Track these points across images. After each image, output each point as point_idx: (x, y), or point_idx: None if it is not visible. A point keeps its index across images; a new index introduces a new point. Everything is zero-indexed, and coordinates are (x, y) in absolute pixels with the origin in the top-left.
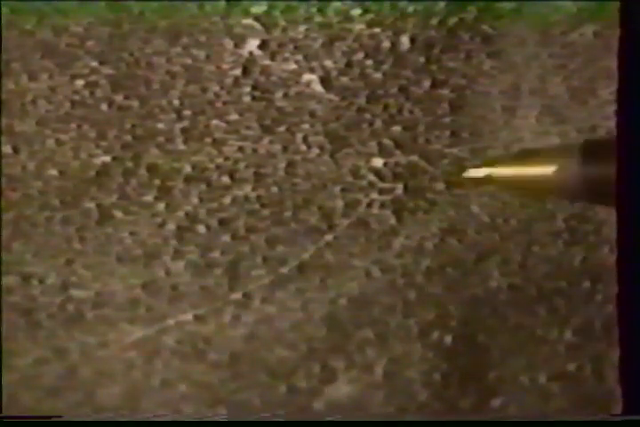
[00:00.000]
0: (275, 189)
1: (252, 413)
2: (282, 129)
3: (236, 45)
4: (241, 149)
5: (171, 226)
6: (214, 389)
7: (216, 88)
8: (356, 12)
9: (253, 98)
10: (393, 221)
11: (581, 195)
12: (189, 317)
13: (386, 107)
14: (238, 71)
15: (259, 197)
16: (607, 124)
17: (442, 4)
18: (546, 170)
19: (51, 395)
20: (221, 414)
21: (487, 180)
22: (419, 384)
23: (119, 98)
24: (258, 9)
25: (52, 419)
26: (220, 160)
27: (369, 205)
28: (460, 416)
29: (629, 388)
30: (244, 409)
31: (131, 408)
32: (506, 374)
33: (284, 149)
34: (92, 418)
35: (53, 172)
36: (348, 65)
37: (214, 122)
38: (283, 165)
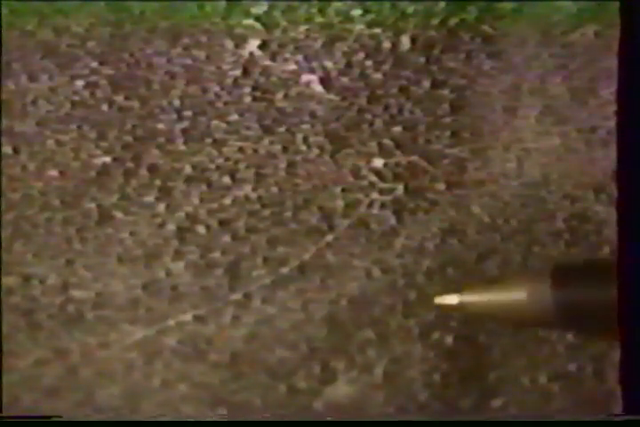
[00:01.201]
0: (275, 190)
1: (253, 413)
2: (282, 129)
3: (237, 46)
4: (241, 149)
5: (171, 226)
6: (215, 389)
7: (216, 88)
8: (357, 12)
9: (254, 98)
10: (393, 221)
11: (554, 321)
12: (190, 317)
13: (386, 107)
14: (239, 72)
15: (259, 198)
16: (607, 125)
17: (442, 5)
18: (517, 296)
19: (51, 395)
20: (222, 415)
21: (459, 307)
22: (419, 385)
23: (119, 98)
24: (258, 9)
25: (52, 419)
26: (220, 160)
27: (369, 205)
28: (461, 416)
29: (630, 388)
30: (245, 409)
31: (131, 409)
32: (506, 374)
33: (285, 149)
34: (92, 418)
35: (54, 172)
36: (349, 65)
37: (215, 122)
38: (283, 165)
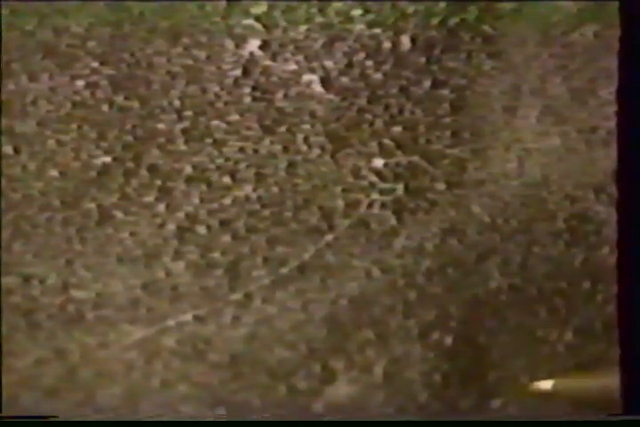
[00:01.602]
0: (275, 190)
1: (252, 413)
2: (282, 129)
3: (237, 46)
4: (241, 149)
5: (171, 226)
6: (214, 389)
7: (216, 89)
8: (357, 12)
9: (254, 98)
10: (393, 221)
11: None
12: (190, 317)
13: (386, 107)
14: (239, 72)
15: (259, 198)
16: (607, 125)
17: (442, 5)
18: (609, 383)
19: (50, 395)
20: (221, 415)
21: (552, 392)
22: (419, 385)
23: (120, 98)
24: (258, 9)
25: (52, 419)
26: (220, 161)
27: (369, 205)
28: (460, 417)
29: (630, 388)
30: (244, 410)
31: (131, 409)
32: (506, 374)
33: (285, 149)
34: (91, 418)
35: (54, 172)
36: (349, 65)
37: (215, 122)
38: (283, 165)
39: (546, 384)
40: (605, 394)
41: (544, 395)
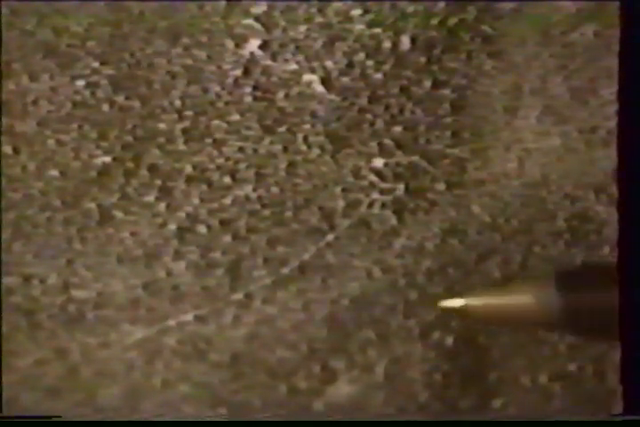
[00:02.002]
0: (276, 190)
1: (253, 413)
2: (283, 129)
3: (237, 46)
4: (242, 149)
5: (171, 226)
6: (215, 389)
7: (217, 88)
8: (357, 12)
9: (254, 98)
10: (394, 221)
11: (558, 324)
12: (190, 317)
13: (387, 107)
14: (239, 71)
15: (260, 198)
16: (608, 125)
17: (442, 5)
18: (522, 300)
19: (51, 395)
20: (222, 415)
21: (463, 310)
22: (419, 385)
23: (120, 98)
24: (258, 9)
25: (53, 419)
26: (220, 160)
27: (370, 205)
28: (461, 417)
29: (630, 388)
30: (245, 410)
31: (131, 409)
32: (507, 374)
33: (285, 149)
34: (92, 418)
35: (54, 172)
36: (349, 65)
37: (215, 122)
38: (283, 165)
39: (456, 302)
40: (518, 310)
41: (454, 312)
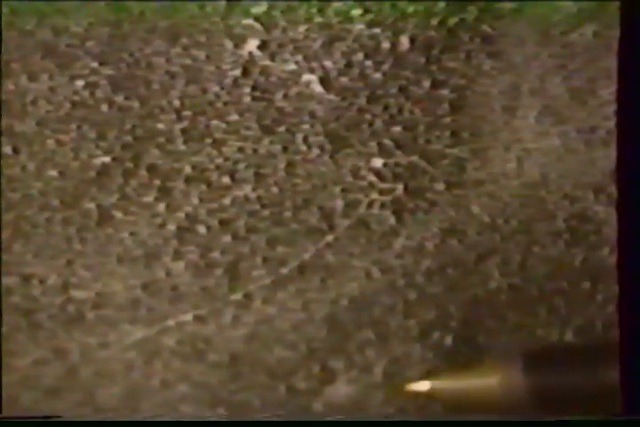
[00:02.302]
0: (275, 190)
1: (252, 413)
2: (282, 129)
3: (236, 46)
4: (241, 149)
5: (171, 226)
6: (214, 389)
7: (216, 88)
8: (356, 12)
9: (253, 98)
10: (393, 221)
11: (528, 405)
12: (190, 317)
13: (386, 107)
14: (238, 72)
15: (259, 198)
16: (607, 125)
17: (442, 5)
18: (489, 382)
19: (50, 395)
20: (221, 415)
21: (429, 394)
22: None
23: (119, 98)
24: (258, 9)
25: (52, 419)
26: (220, 161)
27: (369, 205)
28: (458, 416)
29: (630, 388)
30: (244, 410)
31: (130, 409)
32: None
33: (284, 149)
34: (91, 418)
35: (53, 172)
36: (348, 65)
37: (214, 122)
38: (283, 165)
39: (423, 386)
40: (486, 393)
41: (420, 396)
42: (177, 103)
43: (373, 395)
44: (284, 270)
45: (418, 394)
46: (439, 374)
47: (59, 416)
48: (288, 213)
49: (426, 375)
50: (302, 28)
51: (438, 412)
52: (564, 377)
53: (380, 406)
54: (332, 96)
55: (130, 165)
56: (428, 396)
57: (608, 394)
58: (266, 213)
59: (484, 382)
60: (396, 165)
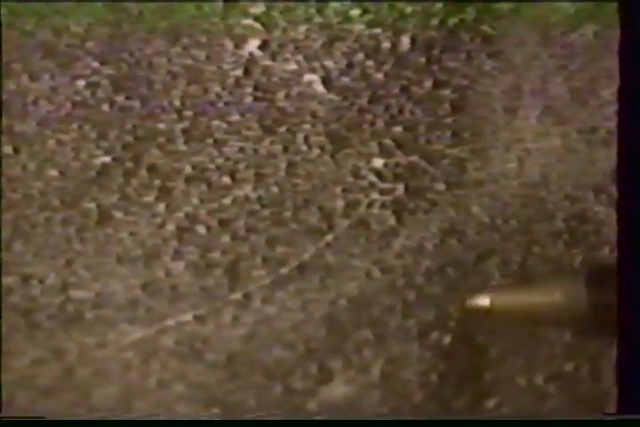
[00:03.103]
0: (275, 190)
1: (248, 413)
2: (283, 129)
3: (237, 46)
4: (242, 149)
5: (171, 226)
6: (210, 389)
7: (217, 88)
8: (356, 12)
9: (254, 98)
10: (393, 221)
11: (587, 322)
12: (189, 317)
13: (387, 107)
14: (239, 72)
15: (259, 198)
16: (608, 125)
17: (441, 5)
18: (550, 298)
19: (48, 395)
20: (217, 415)
21: (488, 310)
22: (414, 385)
23: (120, 98)
24: (256, 9)
25: (49, 419)
26: (220, 160)
27: (369, 205)
28: (455, 416)
29: (625, 388)
30: (240, 409)
31: (127, 409)
32: (503, 374)
33: (285, 149)
34: (87, 418)
35: (54, 172)
36: (349, 65)
37: (215, 122)
38: (283, 165)
39: (483, 300)
40: (547, 308)
41: (480, 311)
42: (178, 103)
43: (369, 395)
44: (284, 270)
45: (478, 309)
46: (500, 289)
47: (56, 416)
48: (288, 213)
49: (487, 290)
50: (302, 28)
51: (436, 412)
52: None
53: (376, 406)
54: (333, 96)
55: (130, 164)
56: (489, 311)
57: None
58: (266, 213)
59: (545, 297)
60: (397, 165)
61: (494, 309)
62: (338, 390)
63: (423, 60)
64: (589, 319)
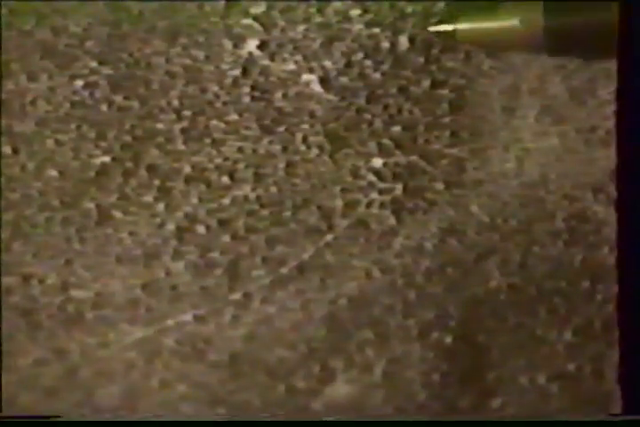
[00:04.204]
0: (274, 190)
1: (252, 413)
2: (281, 129)
3: (236, 46)
4: (240, 149)
5: (170, 226)
6: (213, 389)
7: (215, 88)
8: (355, 12)
9: (253, 98)
10: (392, 221)
11: (545, 45)
12: (189, 317)
13: (385, 107)
14: (238, 71)
15: (258, 198)
16: (606, 124)
17: (441, 5)
18: (510, 23)
19: (50, 395)
20: (220, 415)
21: (453, 34)
22: (418, 385)
23: (119, 98)
24: (257, 9)
25: (52, 419)
26: (219, 160)
27: (368, 205)
28: (459, 417)
29: (629, 388)
30: (243, 409)
31: (130, 409)
32: (505, 374)
33: (284, 149)
34: (91, 418)
35: (53, 172)
36: (348, 65)
37: (214, 122)
38: (282, 165)
39: (447, 27)
40: (506, 33)
41: (444, 37)
42: (176, 103)
43: (372, 395)
44: (284, 270)
45: (441, 34)
46: (461, 17)
47: (58, 416)
48: (287, 213)
49: (449, 19)
50: (301, 28)
51: (441, 412)
52: (580, 16)
53: (379, 406)
54: (331, 96)
55: (129, 164)
56: (450, 36)
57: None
58: (265, 212)
59: (505, 22)
60: (396, 164)
61: (457, 34)
62: (341, 390)
63: (421, 59)
64: (545, 43)
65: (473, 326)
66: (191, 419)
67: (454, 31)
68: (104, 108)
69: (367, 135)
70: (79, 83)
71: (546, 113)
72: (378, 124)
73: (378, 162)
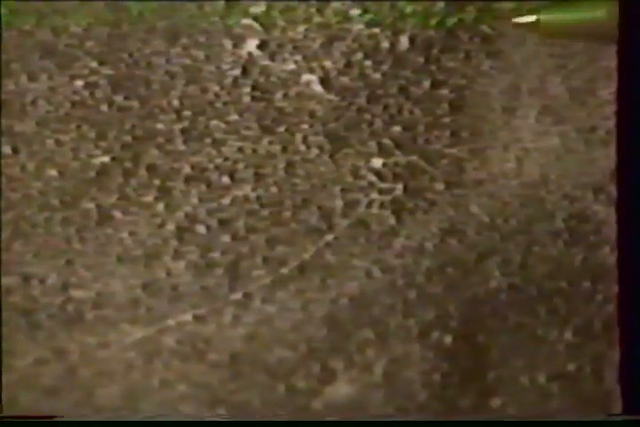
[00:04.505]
0: (274, 190)
1: (252, 413)
2: (281, 129)
3: (236, 46)
4: (240, 149)
5: (170, 226)
6: (213, 389)
7: (216, 88)
8: (355, 12)
9: (253, 98)
10: (393, 221)
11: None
12: (189, 317)
13: (385, 107)
14: (238, 71)
15: (258, 198)
16: (606, 125)
17: (441, 5)
18: (595, 14)
19: (50, 395)
20: (221, 415)
21: (534, 26)
22: (418, 384)
23: (119, 98)
24: (257, 9)
25: (52, 419)
26: (219, 160)
27: (369, 205)
28: (460, 417)
29: (629, 388)
30: (244, 409)
31: (130, 408)
32: (505, 374)
33: (284, 149)
34: (91, 418)
35: (53, 172)
36: (348, 65)
37: (214, 122)
38: (282, 165)
39: (529, 18)
40: (593, 25)
41: (529, 28)
42: (176, 103)
43: (373, 395)
44: (284, 270)
45: (524, 25)
46: (544, 8)
47: (59, 416)
48: (288, 213)
49: (531, 10)
50: (301, 28)
51: (441, 412)
52: None
53: (379, 406)
54: (331, 96)
55: (129, 164)
56: (534, 28)
57: None
58: (265, 212)
59: (590, 13)
60: (396, 164)
61: (540, 25)
62: (341, 390)
63: (422, 59)
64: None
65: (473, 326)
66: (191, 419)
67: (538, 22)
68: (104, 108)
69: (367, 135)
70: (79, 83)
71: (546, 113)
72: (378, 124)
73: (378, 162)
